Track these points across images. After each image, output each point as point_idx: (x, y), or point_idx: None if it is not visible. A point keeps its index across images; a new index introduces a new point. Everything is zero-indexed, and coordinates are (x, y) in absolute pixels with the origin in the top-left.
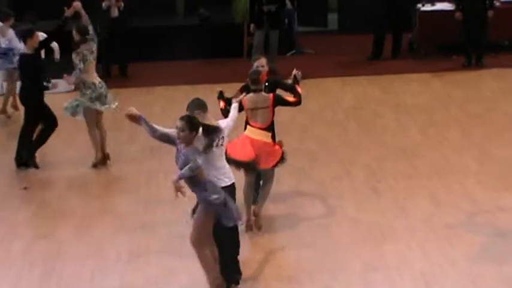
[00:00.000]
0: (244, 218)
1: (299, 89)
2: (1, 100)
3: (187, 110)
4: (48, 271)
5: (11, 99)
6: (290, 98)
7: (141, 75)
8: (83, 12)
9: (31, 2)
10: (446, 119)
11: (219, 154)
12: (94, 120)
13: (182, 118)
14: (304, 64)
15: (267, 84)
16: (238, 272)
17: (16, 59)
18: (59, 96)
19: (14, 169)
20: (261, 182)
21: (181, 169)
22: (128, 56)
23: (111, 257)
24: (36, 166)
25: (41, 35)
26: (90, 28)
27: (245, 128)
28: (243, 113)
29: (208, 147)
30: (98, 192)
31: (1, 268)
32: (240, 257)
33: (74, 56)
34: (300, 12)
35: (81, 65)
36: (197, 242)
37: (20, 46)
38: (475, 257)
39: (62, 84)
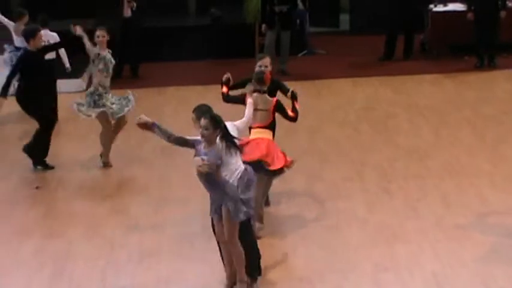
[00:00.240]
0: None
1: (297, 106)
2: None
3: (193, 112)
4: (59, 271)
5: None
6: (290, 112)
7: (152, 75)
8: (85, 38)
9: (43, 2)
10: (459, 120)
11: (234, 155)
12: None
13: (206, 116)
14: (316, 65)
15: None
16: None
17: None
18: (69, 95)
19: (27, 168)
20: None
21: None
22: (139, 56)
23: (122, 258)
24: (47, 166)
25: (52, 36)
26: (96, 49)
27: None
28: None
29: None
30: (108, 193)
31: (12, 268)
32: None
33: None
34: (312, 12)
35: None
36: (234, 239)
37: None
38: (486, 258)
39: (72, 84)
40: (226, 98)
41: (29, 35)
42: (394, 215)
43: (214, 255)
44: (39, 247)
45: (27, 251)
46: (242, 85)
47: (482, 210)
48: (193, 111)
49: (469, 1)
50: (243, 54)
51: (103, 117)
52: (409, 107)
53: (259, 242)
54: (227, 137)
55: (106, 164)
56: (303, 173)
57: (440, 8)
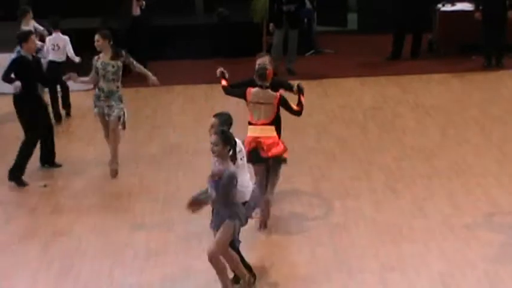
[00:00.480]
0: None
1: (303, 99)
2: None
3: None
4: (66, 269)
5: None
6: (294, 106)
7: (160, 73)
8: (78, 80)
9: (51, 0)
10: (466, 119)
11: (242, 168)
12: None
13: (216, 132)
14: (323, 64)
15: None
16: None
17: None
18: (77, 94)
19: (35, 167)
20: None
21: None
22: (147, 55)
23: (129, 255)
24: (21, 183)
25: (64, 39)
26: (94, 60)
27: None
28: (245, 112)
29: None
30: (116, 191)
31: (19, 265)
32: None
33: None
34: (319, 11)
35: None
36: (217, 255)
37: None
38: (493, 258)
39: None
40: (227, 91)
41: (22, 39)
42: (401, 215)
43: None
44: (46, 245)
45: (34, 249)
46: (246, 85)
47: (489, 210)
48: (214, 116)
49: (477, 1)
50: (250, 53)
51: (99, 118)
52: (417, 107)
53: (264, 240)
54: (234, 156)
55: (112, 172)
56: (310, 172)
57: (448, 7)
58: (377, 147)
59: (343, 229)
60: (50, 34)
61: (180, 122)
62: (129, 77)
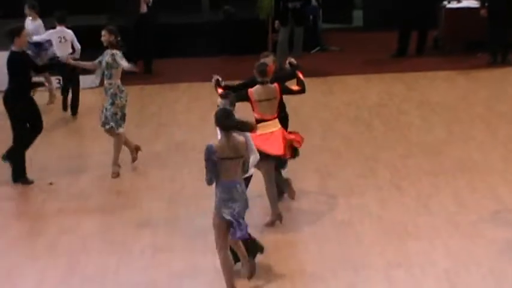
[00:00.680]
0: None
1: (301, 75)
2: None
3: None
4: (73, 265)
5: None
6: (294, 87)
7: (165, 71)
8: (81, 64)
9: None
10: (471, 116)
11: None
12: None
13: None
14: (329, 61)
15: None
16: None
17: (48, 52)
18: (83, 92)
19: (41, 165)
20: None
21: None
22: (152, 52)
23: (135, 252)
24: (26, 181)
25: (68, 33)
26: (104, 61)
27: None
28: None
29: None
30: (122, 188)
31: (26, 262)
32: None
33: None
34: (325, 9)
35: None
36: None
37: (41, 38)
38: (499, 255)
39: (86, 80)
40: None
41: (15, 33)
42: (407, 212)
43: None
44: (53, 242)
45: (41, 246)
46: (246, 86)
47: (495, 207)
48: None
49: None
50: (255, 51)
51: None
52: (422, 104)
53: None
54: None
55: (113, 174)
56: (316, 170)
57: (453, 4)
58: (382, 145)
59: (348, 226)
60: (53, 28)
61: (185, 120)
62: (134, 75)
